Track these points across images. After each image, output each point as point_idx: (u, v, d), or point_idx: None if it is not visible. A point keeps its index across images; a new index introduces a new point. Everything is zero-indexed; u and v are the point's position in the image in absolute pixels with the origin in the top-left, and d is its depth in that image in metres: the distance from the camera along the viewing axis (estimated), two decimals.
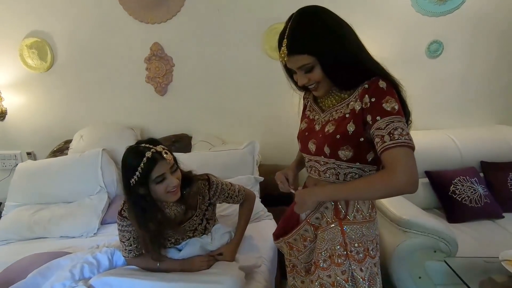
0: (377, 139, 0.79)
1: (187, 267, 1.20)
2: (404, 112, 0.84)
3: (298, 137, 1.04)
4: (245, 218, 1.39)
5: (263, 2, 2.22)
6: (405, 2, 2.12)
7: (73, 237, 1.76)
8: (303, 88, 1.01)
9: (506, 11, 2.10)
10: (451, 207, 1.83)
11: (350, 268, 0.90)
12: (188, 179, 1.18)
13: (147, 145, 1.05)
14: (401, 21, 2.13)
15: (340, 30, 0.85)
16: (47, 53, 2.39)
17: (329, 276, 0.92)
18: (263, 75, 2.33)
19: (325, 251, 0.93)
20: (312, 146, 0.94)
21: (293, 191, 0.98)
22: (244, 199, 1.38)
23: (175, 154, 1.16)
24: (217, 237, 1.28)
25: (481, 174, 1.93)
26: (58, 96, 2.48)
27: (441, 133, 2.02)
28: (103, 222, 1.88)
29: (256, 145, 2.07)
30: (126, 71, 2.41)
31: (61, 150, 2.39)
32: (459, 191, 1.81)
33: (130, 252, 1.21)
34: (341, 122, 0.88)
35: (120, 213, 1.16)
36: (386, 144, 0.76)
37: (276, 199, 2.00)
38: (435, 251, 1.46)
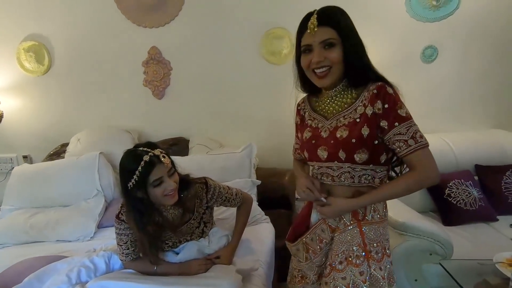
0: (399, 143, 0.87)
1: (185, 270, 1.21)
2: None
3: (302, 148, 1.04)
4: (242, 221, 1.40)
5: (260, 7, 2.24)
6: (401, 8, 2.16)
7: (70, 241, 1.75)
8: (306, 89, 1.04)
9: (498, 17, 2.14)
10: (447, 210, 1.84)
11: (369, 268, 0.92)
12: (185, 182, 1.19)
13: (145, 149, 1.06)
14: (397, 27, 2.17)
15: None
16: (45, 57, 2.39)
17: (344, 278, 0.93)
18: (260, 79, 2.35)
19: (342, 253, 0.95)
20: (323, 153, 0.95)
21: (323, 199, 0.97)
22: (241, 203, 1.39)
23: (173, 157, 1.16)
24: (215, 240, 1.29)
25: (476, 178, 1.96)
26: (55, 100, 2.48)
27: (436, 137, 2.04)
28: (100, 226, 1.87)
29: (254, 148, 2.08)
30: (124, 74, 2.42)
31: (58, 153, 2.38)
32: (454, 194, 1.83)
33: (128, 256, 1.21)
34: (354, 127, 0.90)
35: (117, 217, 1.16)
36: (412, 147, 0.86)
37: (273, 202, 2.02)
38: (430, 254, 1.47)
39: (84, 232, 1.77)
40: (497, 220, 1.80)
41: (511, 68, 2.23)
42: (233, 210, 1.51)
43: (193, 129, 2.45)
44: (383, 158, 0.92)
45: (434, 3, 2.12)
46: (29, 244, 1.73)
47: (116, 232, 1.19)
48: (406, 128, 0.87)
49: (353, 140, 0.89)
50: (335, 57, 0.89)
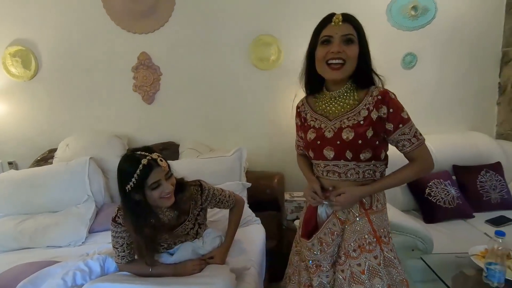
0: (404, 142, 1.01)
1: (180, 271, 1.23)
2: None
3: (307, 148, 1.11)
4: (235, 222, 1.44)
5: (249, 14, 2.31)
6: (382, 18, 2.28)
7: (61, 247, 1.74)
8: (309, 89, 1.13)
9: (473, 26, 2.29)
10: (427, 208, 1.95)
11: (382, 252, 1.02)
12: (181, 185, 1.22)
13: (143, 153, 1.09)
14: (378, 35, 2.26)
15: None
16: (31, 62, 2.37)
17: (359, 265, 1.01)
18: (249, 84, 2.41)
19: (354, 242, 1.03)
20: (329, 153, 1.03)
21: (325, 202, 1.07)
22: (234, 205, 1.43)
23: None
24: (208, 241, 1.32)
25: (454, 177, 2.08)
26: (42, 105, 2.46)
27: None
28: (91, 231, 1.87)
29: (244, 151, 2.12)
30: (113, 80, 2.43)
31: (45, 159, 2.35)
32: (434, 193, 1.94)
33: (123, 258, 1.23)
34: (359, 129, 0.99)
35: (114, 220, 1.18)
36: (414, 144, 1.01)
37: (263, 204, 2.07)
38: (413, 250, 1.56)
39: (75, 237, 1.77)
40: (473, 216, 1.92)
41: (487, 73, 2.38)
42: (224, 212, 1.55)
43: (183, 133, 2.47)
44: (382, 155, 1.04)
45: (413, 13, 2.25)
46: (19, 251, 1.72)
47: (112, 235, 1.21)
48: (409, 128, 1.00)
49: (360, 141, 0.99)
50: (352, 53, 0.97)
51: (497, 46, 2.34)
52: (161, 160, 1.11)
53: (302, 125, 1.16)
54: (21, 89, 2.43)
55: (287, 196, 2.25)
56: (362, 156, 1.00)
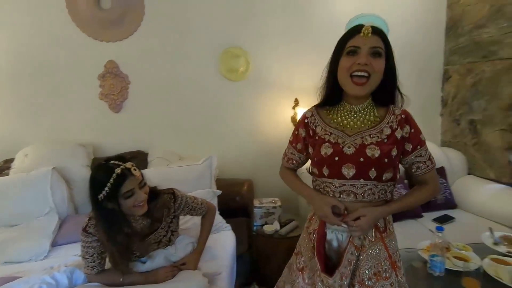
0: (419, 164, 0.99)
1: (152, 279, 1.25)
2: None
3: (321, 164, 0.98)
4: (207, 229, 1.48)
5: (218, 27, 2.39)
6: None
7: (21, 262, 1.65)
8: (324, 98, 1.04)
9: (420, 47, 2.55)
10: None
11: (397, 277, 0.97)
12: (154, 193, 1.25)
13: (117, 162, 1.11)
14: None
15: None
16: None
17: None
18: (219, 94, 2.47)
19: (369, 269, 0.96)
20: (349, 171, 0.94)
21: (344, 226, 0.97)
22: (206, 211, 1.48)
23: None
24: (181, 248, 1.35)
25: (406, 181, 2.29)
26: None
27: None
28: (54, 244, 1.79)
29: (214, 159, 2.17)
30: (77, 87, 2.37)
31: (1, 170, 2.21)
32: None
33: (93, 269, 1.22)
34: (384, 147, 0.94)
35: (84, 230, 1.17)
36: (429, 167, 0.99)
37: (233, 211, 2.13)
38: None
39: (36, 251, 1.68)
40: (422, 216, 2.14)
41: (431, 88, 2.65)
42: (195, 220, 1.59)
43: (152, 142, 2.47)
44: (398, 175, 1.00)
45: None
46: None
47: (82, 245, 1.20)
48: (425, 151, 0.99)
49: (386, 160, 0.93)
50: (378, 67, 0.92)
51: (439, 65, 2.64)
52: (134, 169, 1.13)
53: (311, 138, 1.04)
54: None
55: (256, 203, 2.32)
56: (384, 176, 0.94)
